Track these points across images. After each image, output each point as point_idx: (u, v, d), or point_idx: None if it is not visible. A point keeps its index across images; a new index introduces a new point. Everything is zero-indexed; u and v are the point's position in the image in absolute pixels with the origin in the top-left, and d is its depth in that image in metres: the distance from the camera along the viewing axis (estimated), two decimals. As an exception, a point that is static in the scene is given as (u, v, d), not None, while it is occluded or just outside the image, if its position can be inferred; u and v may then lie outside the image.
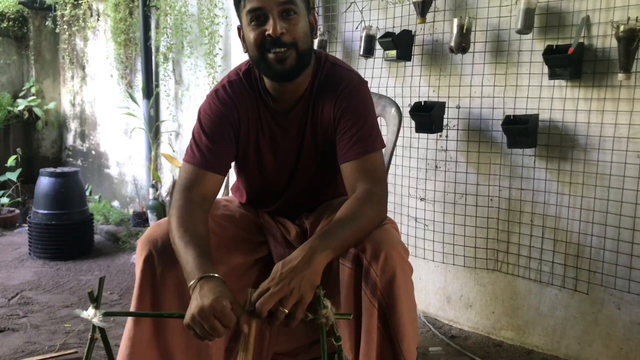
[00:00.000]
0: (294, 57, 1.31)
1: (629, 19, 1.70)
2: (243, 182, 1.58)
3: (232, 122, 1.43)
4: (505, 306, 2.14)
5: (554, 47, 1.87)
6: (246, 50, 1.37)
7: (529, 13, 1.89)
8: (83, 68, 4.51)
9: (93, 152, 4.56)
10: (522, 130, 1.92)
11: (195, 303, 1.12)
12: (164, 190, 3.70)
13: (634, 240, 1.80)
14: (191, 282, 1.17)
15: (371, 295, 1.22)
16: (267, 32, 1.28)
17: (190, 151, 1.43)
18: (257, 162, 1.49)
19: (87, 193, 4.38)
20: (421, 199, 2.34)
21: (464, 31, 2.02)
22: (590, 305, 1.92)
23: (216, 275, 1.17)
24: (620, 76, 1.72)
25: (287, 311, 1.09)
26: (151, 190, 3.61)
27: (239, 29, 1.39)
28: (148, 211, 3.62)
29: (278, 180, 1.51)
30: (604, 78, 1.82)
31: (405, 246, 1.30)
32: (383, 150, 1.43)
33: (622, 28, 1.68)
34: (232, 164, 1.53)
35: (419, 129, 2.19)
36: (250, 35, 1.31)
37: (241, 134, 1.45)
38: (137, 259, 1.33)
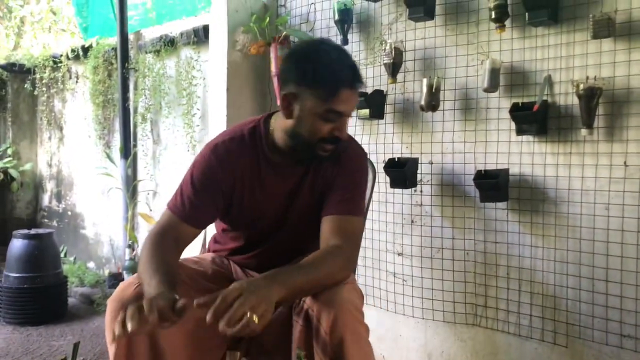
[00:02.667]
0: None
1: (587, 77, 1.78)
2: (230, 231, 1.60)
3: (222, 178, 1.45)
4: (486, 361, 2.11)
5: (520, 104, 1.94)
6: (289, 117, 1.38)
7: (494, 73, 1.98)
8: (61, 129, 4.52)
9: (69, 213, 4.51)
10: (493, 184, 1.96)
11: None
12: (140, 250, 3.64)
13: (607, 292, 1.82)
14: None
15: (322, 354, 1.22)
16: (336, 134, 1.37)
17: (174, 198, 1.47)
18: (252, 212, 1.51)
19: (62, 255, 4.29)
20: (399, 254, 2.35)
21: (434, 90, 2.10)
22: (570, 359, 1.91)
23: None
24: (584, 132, 1.78)
25: (256, 319, 1.10)
26: (127, 251, 3.56)
27: (294, 97, 1.36)
28: (124, 272, 3.55)
29: (267, 229, 1.54)
30: (568, 133, 1.89)
31: (360, 307, 1.31)
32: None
33: (581, 86, 1.76)
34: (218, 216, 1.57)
35: (393, 185, 2.23)
36: (322, 127, 1.35)
37: (236, 188, 1.48)
38: (108, 320, 1.31)
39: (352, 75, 1.35)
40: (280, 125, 1.44)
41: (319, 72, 1.32)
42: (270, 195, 1.49)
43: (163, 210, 1.50)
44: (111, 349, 1.29)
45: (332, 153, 1.41)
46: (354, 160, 1.49)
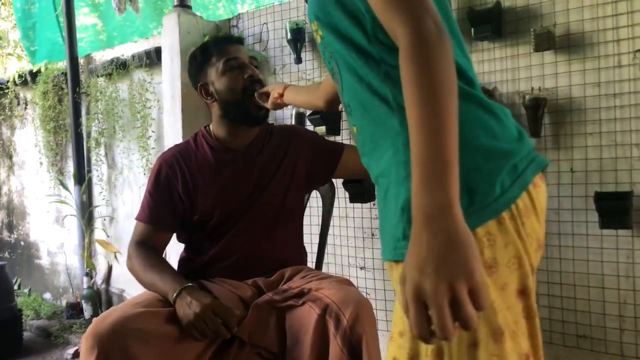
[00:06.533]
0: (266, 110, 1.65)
1: (532, 89, 1.85)
2: (202, 239, 1.63)
3: (175, 179, 1.60)
4: (452, 370, 2.14)
5: (470, 116, 1.99)
6: (213, 100, 1.63)
7: (444, 86, 2.03)
8: (10, 157, 4.38)
9: (22, 243, 4.35)
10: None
11: (195, 303, 1.26)
12: (99, 278, 3.55)
13: (562, 295, 1.87)
14: (175, 293, 1.31)
15: (341, 342, 1.26)
16: (247, 76, 1.58)
17: (139, 210, 1.63)
18: (216, 196, 1.59)
19: (16, 287, 4.14)
20: (361, 268, 2.36)
21: (387, 105, 2.13)
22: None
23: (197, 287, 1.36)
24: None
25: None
26: (85, 279, 3.46)
27: (204, 84, 1.64)
28: (82, 301, 3.45)
29: (238, 213, 1.60)
30: (517, 142, 1.95)
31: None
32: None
33: (527, 97, 1.83)
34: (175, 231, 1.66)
35: (352, 199, 2.25)
36: (234, 78, 1.59)
37: (191, 185, 1.60)
38: (84, 356, 1.26)
39: (225, 37, 1.83)
40: (215, 120, 1.67)
41: (204, 52, 1.65)
42: (235, 181, 1.60)
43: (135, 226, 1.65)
44: None
45: (264, 110, 1.63)
46: (308, 133, 1.79)
